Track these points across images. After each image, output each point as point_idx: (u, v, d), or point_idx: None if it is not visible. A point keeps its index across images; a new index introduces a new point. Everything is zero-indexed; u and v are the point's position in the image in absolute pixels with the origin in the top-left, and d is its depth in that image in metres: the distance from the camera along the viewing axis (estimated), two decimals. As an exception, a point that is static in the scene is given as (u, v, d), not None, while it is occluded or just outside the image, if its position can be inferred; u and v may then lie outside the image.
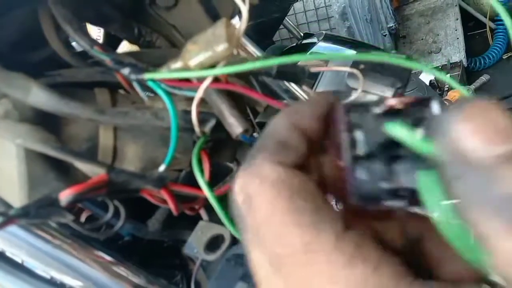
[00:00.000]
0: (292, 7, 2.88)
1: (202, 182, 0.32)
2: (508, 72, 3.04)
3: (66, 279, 0.41)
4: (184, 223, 0.47)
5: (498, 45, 3.22)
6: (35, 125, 0.30)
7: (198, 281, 0.45)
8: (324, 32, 1.91)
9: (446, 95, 2.42)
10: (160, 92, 0.32)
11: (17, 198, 0.31)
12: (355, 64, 0.40)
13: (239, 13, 0.40)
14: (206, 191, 0.32)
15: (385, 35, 2.83)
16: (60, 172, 0.32)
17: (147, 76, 0.32)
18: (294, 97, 0.46)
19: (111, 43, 0.47)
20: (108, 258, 0.41)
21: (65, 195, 0.27)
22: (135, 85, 0.34)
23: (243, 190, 0.19)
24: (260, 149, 0.20)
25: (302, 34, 2.14)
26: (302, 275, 0.17)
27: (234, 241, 0.40)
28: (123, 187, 0.31)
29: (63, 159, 0.30)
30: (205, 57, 0.31)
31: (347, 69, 0.38)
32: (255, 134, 0.39)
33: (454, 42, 3.10)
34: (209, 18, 0.40)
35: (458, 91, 2.37)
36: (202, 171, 0.32)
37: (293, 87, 0.46)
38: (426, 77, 2.72)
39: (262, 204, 0.18)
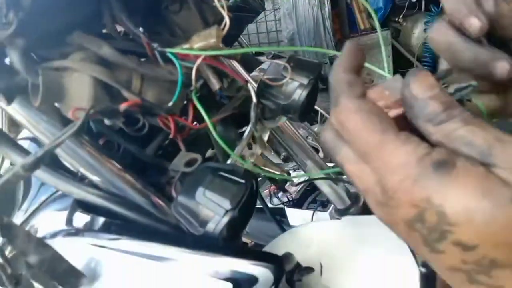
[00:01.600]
0: (247, 28, 3.17)
1: (202, 110, 0.55)
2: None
3: (89, 175, 0.62)
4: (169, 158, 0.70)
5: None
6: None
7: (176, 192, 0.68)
8: (273, 52, 2.21)
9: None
10: (175, 60, 0.56)
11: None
12: (288, 61, 0.66)
13: (220, 20, 0.64)
14: (205, 116, 0.55)
15: (326, 63, 3.17)
16: (111, 96, 0.54)
17: (168, 49, 0.55)
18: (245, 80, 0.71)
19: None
20: (117, 165, 0.63)
21: (123, 106, 0.50)
22: (157, 54, 0.57)
23: (337, 121, 0.28)
24: (339, 93, 0.29)
25: (253, 53, 2.43)
26: (378, 157, 0.26)
27: (204, 162, 0.63)
28: (148, 110, 0.54)
29: (118, 88, 0.52)
30: (203, 44, 0.55)
31: (283, 63, 0.64)
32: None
33: (383, 67, 3.50)
34: (201, 21, 0.65)
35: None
36: (202, 106, 0.56)
37: (245, 73, 0.71)
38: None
39: (350, 124, 0.27)
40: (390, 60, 3.42)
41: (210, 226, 0.54)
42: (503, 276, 0.23)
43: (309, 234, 0.96)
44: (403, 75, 0.32)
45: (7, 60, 0.53)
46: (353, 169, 0.29)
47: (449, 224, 0.24)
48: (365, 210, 0.98)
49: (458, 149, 0.25)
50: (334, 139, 0.30)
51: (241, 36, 2.42)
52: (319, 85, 0.71)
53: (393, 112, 0.29)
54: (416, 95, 0.27)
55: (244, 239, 1.93)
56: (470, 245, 0.23)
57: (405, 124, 0.28)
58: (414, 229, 0.26)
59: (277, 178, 0.72)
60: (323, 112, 2.35)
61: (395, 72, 3.46)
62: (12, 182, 0.45)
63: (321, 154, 2.40)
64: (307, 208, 1.61)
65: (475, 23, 0.31)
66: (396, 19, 3.59)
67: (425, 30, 3.44)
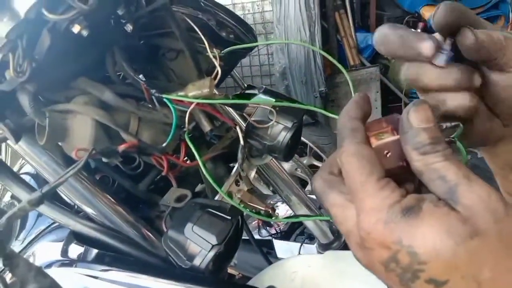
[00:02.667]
0: (240, 61, 3.27)
1: (194, 149, 0.60)
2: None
3: (85, 208, 0.66)
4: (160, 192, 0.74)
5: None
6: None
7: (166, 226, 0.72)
8: (264, 86, 2.29)
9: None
10: (170, 104, 0.61)
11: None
12: (274, 106, 0.71)
13: (212, 68, 0.70)
14: (196, 155, 0.60)
15: (316, 97, 3.25)
16: (110, 137, 0.59)
17: (164, 95, 0.61)
18: (231, 119, 0.76)
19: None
20: (111, 199, 0.67)
21: (121, 148, 0.55)
22: (154, 99, 0.63)
23: (340, 161, 0.32)
24: (343, 138, 0.32)
25: (245, 85, 2.51)
26: (359, 197, 0.30)
27: (193, 197, 0.68)
28: (144, 150, 0.59)
29: (118, 130, 0.57)
30: (197, 93, 0.61)
31: (269, 108, 0.70)
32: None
33: (373, 111, 3.55)
34: (195, 68, 0.71)
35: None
36: (194, 145, 0.61)
37: (234, 113, 0.77)
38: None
39: (347, 165, 0.31)
40: (379, 95, 3.52)
41: (197, 260, 0.58)
42: None
43: (294, 268, 0.99)
44: (391, 109, 0.36)
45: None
46: (337, 213, 0.32)
47: (420, 263, 0.26)
48: (347, 245, 1.02)
49: (432, 181, 0.29)
50: (322, 187, 0.34)
51: (234, 70, 2.51)
52: (302, 127, 0.77)
53: (389, 138, 0.33)
54: (412, 123, 0.30)
55: (232, 271, 1.95)
56: (441, 281, 0.26)
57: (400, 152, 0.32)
58: (389, 269, 0.28)
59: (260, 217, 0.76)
60: (312, 145, 2.41)
61: (383, 106, 3.56)
62: (18, 215, 0.49)
63: (309, 187, 2.46)
64: (295, 241, 1.64)
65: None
66: (385, 56, 3.72)
67: (412, 67, 3.56)
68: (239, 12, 3.52)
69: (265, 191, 2.31)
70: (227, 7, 1.06)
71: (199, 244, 0.59)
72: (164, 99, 0.61)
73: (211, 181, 0.60)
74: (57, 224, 0.76)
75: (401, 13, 3.53)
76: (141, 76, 0.69)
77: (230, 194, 0.76)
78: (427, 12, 3.36)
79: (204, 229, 0.59)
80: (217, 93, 0.72)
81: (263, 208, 0.78)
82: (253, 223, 2.22)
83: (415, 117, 0.30)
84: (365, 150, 0.31)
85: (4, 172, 0.65)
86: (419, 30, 0.35)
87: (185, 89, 0.61)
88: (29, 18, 0.46)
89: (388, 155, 0.33)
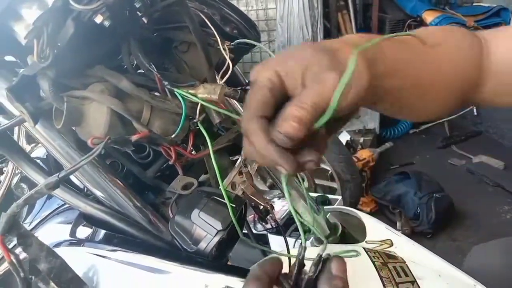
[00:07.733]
0: (242, 57, 3.29)
1: (208, 136, 0.63)
2: (410, 144, 3.58)
3: (94, 190, 0.69)
4: (166, 180, 0.77)
5: (406, 121, 3.74)
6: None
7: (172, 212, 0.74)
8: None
9: (357, 153, 2.89)
10: (180, 98, 0.64)
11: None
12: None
13: (222, 61, 0.73)
14: (209, 143, 0.62)
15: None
16: (124, 125, 0.62)
17: (176, 89, 0.63)
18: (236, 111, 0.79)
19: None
20: (121, 184, 0.70)
21: (134, 138, 0.58)
22: (166, 90, 0.66)
23: None
24: None
25: (247, 81, 2.54)
26: None
27: (199, 186, 0.71)
28: (154, 140, 0.62)
29: (131, 120, 0.60)
30: (206, 96, 0.63)
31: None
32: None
33: (372, 112, 3.61)
34: (205, 60, 0.73)
35: (366, 151, 2.88)
36: (208, 133, 0.63)
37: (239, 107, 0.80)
38: (343, 137, 3.19)
39: None
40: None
41: (202, 245, 0.61)
42: None
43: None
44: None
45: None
46: None
47: None
48: (343, 239, 1.05)
49: None
50: None
51: (236, 65, 2.54)
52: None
53: None
54: None
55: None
56: None
57: None
58: None
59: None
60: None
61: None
62: (35, 198, 0.52)
63: (306, 183, 2.49)
64: (290, 236, 1.67)
65: None
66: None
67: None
68: (242, 8, 3.54)
69: (261, 186, 2.34)
70: (231, 2, 1.08)
71: (205, 229, 0.62)
72: (175, 92, 0.64)
73: (217, 173, 0.62)
74: (64, 207, 0.79)
75: (403, 16, 3.56)
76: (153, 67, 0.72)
77: (233, 185, 0.79)
78: (428, 17, 3.39)
79: (210, 215, 0.62)
80: (226, 87, 0.75)
81: (263, 203, 0.81)
82: (249, 217, 2.25)
83: None
84: None
85: (21, 157, 0.68)
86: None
87: (196, 88, 0.63)
88: (56, 7, 0.49)
89: None
